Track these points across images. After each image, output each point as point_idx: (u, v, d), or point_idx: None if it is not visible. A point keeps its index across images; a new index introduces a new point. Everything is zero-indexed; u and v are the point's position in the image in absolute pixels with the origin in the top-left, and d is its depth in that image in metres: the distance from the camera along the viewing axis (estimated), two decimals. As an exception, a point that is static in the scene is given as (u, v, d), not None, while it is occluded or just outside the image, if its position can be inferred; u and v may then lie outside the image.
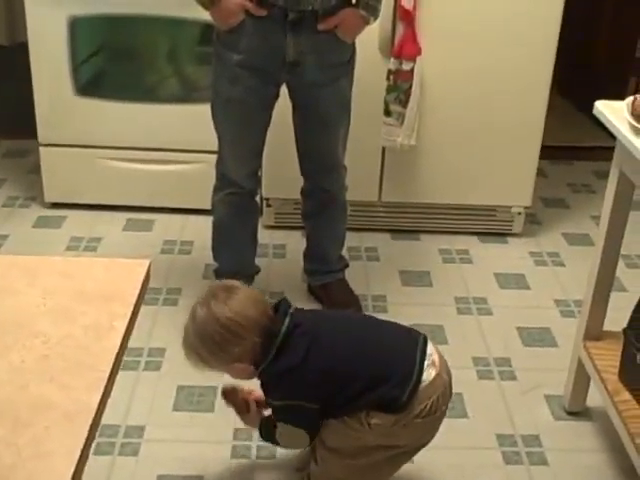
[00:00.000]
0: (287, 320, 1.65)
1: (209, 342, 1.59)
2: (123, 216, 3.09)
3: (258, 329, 1.61)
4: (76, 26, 2.90)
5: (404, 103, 2.78)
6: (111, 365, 0.82)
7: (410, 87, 2.76)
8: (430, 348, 1.73)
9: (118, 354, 0.84)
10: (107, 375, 0.80)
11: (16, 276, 0.98)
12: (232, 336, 1.59)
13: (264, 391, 1.72)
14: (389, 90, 2.77)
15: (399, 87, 2.77)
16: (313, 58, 2.20)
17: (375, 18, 2.25)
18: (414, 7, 2.69)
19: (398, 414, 1.65)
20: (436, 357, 1.72)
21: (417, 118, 2.78)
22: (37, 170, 3.18)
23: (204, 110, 2.96)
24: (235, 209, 2.49)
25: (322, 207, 2.52)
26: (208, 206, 3.14)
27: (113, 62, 3.14)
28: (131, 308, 0.91)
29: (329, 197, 2.50)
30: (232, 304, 1.61)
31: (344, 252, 2.66)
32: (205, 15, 2.32)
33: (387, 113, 2.79)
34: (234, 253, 2.57)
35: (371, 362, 1.68)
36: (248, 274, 2.60)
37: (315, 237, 2.61)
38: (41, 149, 3.07)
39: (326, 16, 2.16)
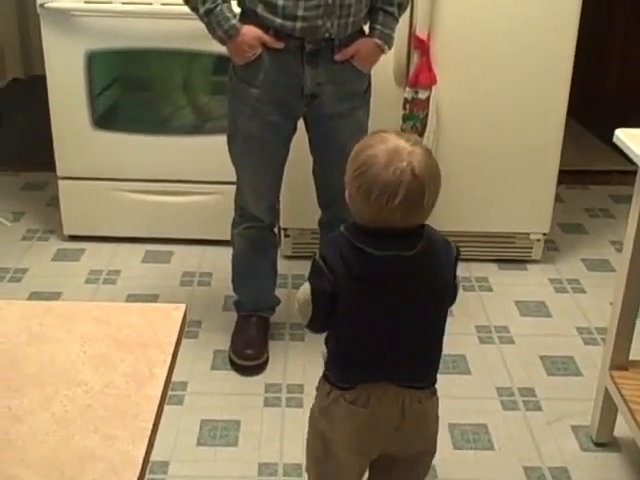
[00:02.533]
0: None
1: None
2: (142, 248, 3.09)
3: None
4: (93, 60, 2.92)
5: (420, 132, 2.78)
6: (154, 415, 0.82)
7: (426, 116, 2.77)
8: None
9: (160, 403, 0.84)
10: (151, 425, 0.80)
11: (53, 323, 0.97)
12: None
13: None
14: (405, 119, 2.78)
15: (415, 116, 2.78)
16: (331, 89, 2.20)
17: (390, 46, 2.26)
18: (429, 36, 2.71)
19: (336, 387, 1.55)
20: None
21: (434, 146, 2.78)
22: (55, 203, 3.19)
23: (219, 141, 2.97)
24: (254, 243, 2.50)
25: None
26: (226, 237, 3.14)
27: (129, 95, 3.16)
28: (170, 355, 0.91)
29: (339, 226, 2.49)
30: None
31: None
32: (218, 47, 2.31)
33: (404, 142, 2.79)
34: (254, 286, 2.57)
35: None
36: (268, 306, 2.61)
37: None
38: (59, 182, 3.08)
39: (342, 47, 2.16)
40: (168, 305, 0.99)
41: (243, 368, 2.45)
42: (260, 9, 2.10)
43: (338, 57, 2.16)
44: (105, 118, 3.06)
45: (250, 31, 2.12)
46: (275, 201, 2.49)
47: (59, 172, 3.06)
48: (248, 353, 2.47)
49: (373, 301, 1.49)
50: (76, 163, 3.05)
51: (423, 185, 1.39)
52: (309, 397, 2.27)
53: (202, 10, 2.13)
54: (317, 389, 1.63)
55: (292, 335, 2.63)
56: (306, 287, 1.52)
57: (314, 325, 1.57)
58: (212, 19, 2.13)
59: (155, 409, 0.83)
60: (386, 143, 1.42)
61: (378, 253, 1.44)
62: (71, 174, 3.07)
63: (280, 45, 2.12)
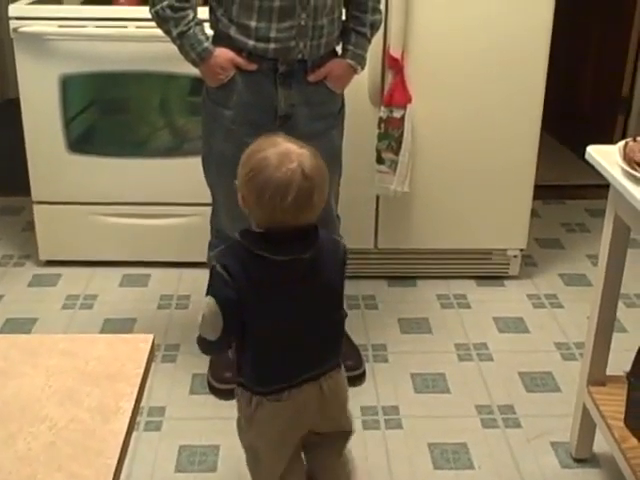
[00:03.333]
0: None
1: None
2: (119, 271, 3.08)
3: None
4: (67, 84, 2.91)
5: (396, 150, 2.79)
6: (119, 450, 0.81)
7: (401, 134, 2.77)
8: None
9: (126, 437, 0.83)
10: (115, 462, 0.79)
11: (17, 357, 0.96)
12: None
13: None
14: (380, 138, 2.79)
15: (390, 135, 2.78)
16: (304, 110, 2.21)
17: (362, 67, 2.28)
18: (402, 55, 2.72)
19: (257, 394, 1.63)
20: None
21: (410, 165, 2.79)
22: (31, 227, 3.17)
23: (196, 162, 2.95)
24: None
25: None
26: (203, 259, 3.14)
27: (104, 118, 3.15)
28: (137, 387, 0.90)
29: None
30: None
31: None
32: (193, 69, 2.30)
33: (379, 161, 2.80)
34: None
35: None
36: None
37: None
38: (35, 206, 3.06)
39: (315, 68, 2.17)
40: (136, 336, 0.98)
41: (221, 392, 2.43)
42: (233, 31, 2.11)
43: (311, 78, 2.17)
44: (80, 142, 3.05)
45: (223, 53, 2.12)
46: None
47: (34, 196, 3.05)
48: (227, 376, 2.45)
49: (276, 305, 1.57)
50: (51, 187, 3.04)
51: (313, 184, 1.50)
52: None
53: (175, 33, 2.14)
54: (237, 401, 1.68)
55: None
56: (210, 302, 1.55)
57: (222, 340, 1.59)
58: (185, 42, 2.13)
59: (120, 444, 0.82)
60: (276, 146, 1.53)
61: (278, 258, 1.52)
62: (46, 198, 3.05)
63: (253, 67, 2.13)
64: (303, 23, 2.07)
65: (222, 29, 2.14)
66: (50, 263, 3.12)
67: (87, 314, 2.83)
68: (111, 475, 0.77)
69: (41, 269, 3.10)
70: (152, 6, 2.13)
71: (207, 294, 1.58)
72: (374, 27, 2.24)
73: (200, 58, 2.14)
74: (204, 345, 1.62)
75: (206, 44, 2.13)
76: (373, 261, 3.03)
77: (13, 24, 2.81)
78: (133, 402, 0.88)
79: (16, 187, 3.35)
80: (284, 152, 1.51)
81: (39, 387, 0.91)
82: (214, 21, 2.17)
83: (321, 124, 2.24)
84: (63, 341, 1.00)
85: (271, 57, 2.11)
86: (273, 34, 2.07)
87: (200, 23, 2.15)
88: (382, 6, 2.32)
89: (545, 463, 2.17)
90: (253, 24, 2.06)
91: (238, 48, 2.12)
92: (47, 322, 2.76)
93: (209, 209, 3.05)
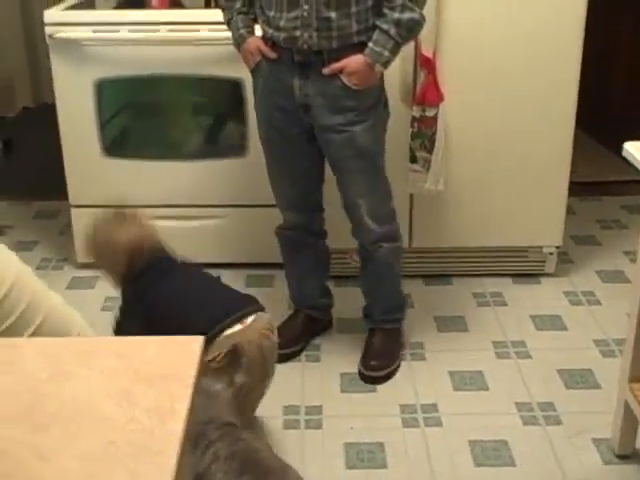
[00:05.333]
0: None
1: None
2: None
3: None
4: (102, 88, 2.94)
5: (429, 149, 2.79)
6: (177, 450, 0.82)
7: (434, 133, 2.77)
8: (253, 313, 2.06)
9: (183, 438, 0.84)
10: (175, 461, 0.80)
11: (72, 360, 0.98)
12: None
13: None
14: (414, 137, 2.78)
15: (423, 134, 2.78)
16: (320, 101, 2.26)
17: (383, 65, 2.23)
18: (434, 54, 2.71)
19: None
20: (250, 319, 2.04)
21: (443, 163, 2.78)
22: (68, 231, 3.20)
23: (229, 164, 3.01)
24: (284, 243, 2.64)
25: (364, 262, 2.55)
26: (240, 259, 3.17)
27: (138, 121, 3.18)
28: (190, 388, 0.91)
29: (364, 253, 2.52)
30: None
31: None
32: (223, 71, 2.58)
33: (413, 160, 2.80)
34: (294, 284, 2.71)
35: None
36: (309, 305, 2.70)
37: (362, 287, 2.64)
38: (72, 210, 3.10)
39: (332, 61, 2.21)
40: (186, 337, 1.00)
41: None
42: (261, 21, 2.29)
43: (325, 71, 2.23)
44: (115, 145, 3.08)
45: (252, 41, 2.30)
46: (303, 206, 2.54)
47: (71, 200, 3.08)
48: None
49: None
50: (88, 191, 3.07)
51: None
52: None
53: (225, 20, 2.38)
54: None
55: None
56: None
57: None
58: (230, 28, 2.37)
59: (178, 444, 0.83)
60: None
61: None
62: (83, 202, 3.08)
63: (273, 55, 2.26)
64: (306, 14, 2.15)
65: (258, 19, 2.32)
66: (88, 266, 3.14)
67: (125, 316, 2.85)
68: (171, 474, 0.78)
69: (79, 272, 3.14)
70: None
71: None
72: (401, 25, 2.17)
73: (237, 43, 2.36)
74: None
75: (242, 31, 2.32)
76: (408, 260, 3.02)
77: (48, 30, 2.84)
78: (188, 403, 0.89)
79: (52, 191, 3.39)
80: None
81: (95, 388, 0.92)
82: (257, 13, 2.33)
83: (339, 118, 2.27)
84: (116, 343, 1.01)
85: (283, 46, 2.22)
86: (282, 23, 2.19)
87: (244, 12, 2.33)
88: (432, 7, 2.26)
89: (587, 460, 2.16)
90: (271, 14, 2.21)
91: (265, 37, 2.28)
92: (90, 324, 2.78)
93: (244, 210, 3.08)
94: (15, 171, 3.95)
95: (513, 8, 2.70)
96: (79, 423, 0.86)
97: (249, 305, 2.10)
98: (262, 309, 2.11)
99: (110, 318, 2.79)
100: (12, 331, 1.35)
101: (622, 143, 1.93)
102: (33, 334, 1.38)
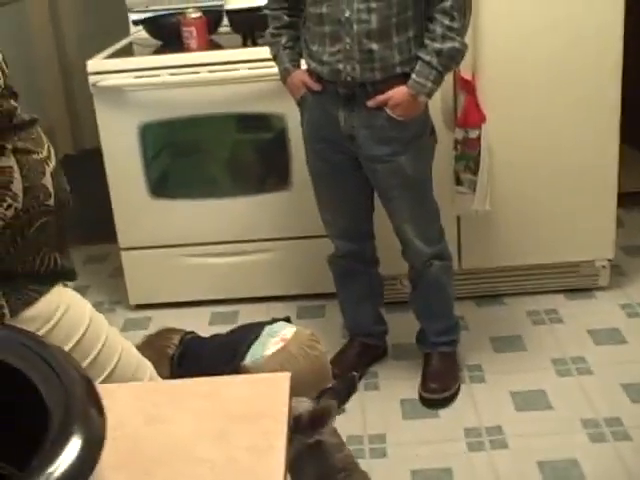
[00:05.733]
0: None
1: None
2: (207, 310, 3.13)
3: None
4: (146, 131, 2.99)
5: (474, 170, 2.79)
6: (281, 486, 0.83)
7: (478, 154, 2.78)
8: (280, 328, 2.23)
9: (284, 474, 0.85)
10: (280, 498, 0.81)
11: (162, 402, 0.99)
12: None
13: None
14: (457, 159, 2.79)
15: (467, 155, 2.79)
16: (365, 133, 2.28)
17: (426, 95, 2.24)
18: (473, 76, 2.73)
19: None
20: (289, 333, 2.18)
21: (489, 183, 2.78)
22: (117, 273, 3.24)
23: (272, 198, 3.04)
24: (336, 271, 2.67)
25: (415, 282, 2.56)
26: (289, 291, 3.18)
27: (182, 161, 3.22)
28: (285, 425, 0.92)
29: (415, 273, 2.52)
30: None
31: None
32: (262, 108, 2.66)
33: (458, 182, 2.81)
34: (349, 312, 2.73)
35: None
36: (365, 332, 2.71)
37: (414, 310, 2.65)
38: (122, 253, 3.14)
39: (377, 92, 2.23)
40: (274, 375, 1.01)
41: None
42: (305, 55, 2.34)
43: (369, 103, 2.25)
44: (161, 186, 3.12)
45: (298, 74, 2.35)
46: (351, 234, 2.56)
47: (121, 243, 3.13)
48: (333, 371, 2.51)
49: None
50: (136, 233, 3.12)
51: None
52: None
53: (272, 54, 2.44)
54: None
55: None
56: None
57: None
58: (276, 62, 2.43)
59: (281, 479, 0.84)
60: None
61: None
62: (132, 244, 3.13)
63: (317, 87, 2.31)
64: (348, 47, 2.18)
65: (303, 54, 2.36)
66: (140, 307, 3.19)
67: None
68: (279, 511, 0.79)
69: (132, 313, 3.17)
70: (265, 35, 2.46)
71: None
72: (442, 55, 2.18)
73: (282, 76, 2.41)
74: None
75: (287, 65, 2.37)
76: (458, 281, 3.01)
77: (92, 79, 2.90)
78: (284, 439, 0.90)
79: (100, 236, 3.44)
80: None
81: (190, 429, 0.94)
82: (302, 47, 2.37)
83: (385, 149, 2.30)
84: (204, 384, 1.03)
85: (327, 79, 2.26)
86: (326, 57, 2.22)
87: (290, 47, 2.38)
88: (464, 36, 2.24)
89: (661, 475, 2.13)
90: (314, 48, 2.25)
91: (309, 71, 2.32)
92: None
93: (290, 242, 3.10)
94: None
95: (549, 23, 2.71)
96: (179, 465, 0.87)
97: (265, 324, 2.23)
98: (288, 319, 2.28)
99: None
100: (91, 369, 1.37)
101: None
102: (110, 374, 1.40)
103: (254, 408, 0.96)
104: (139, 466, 0.88)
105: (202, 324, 3.06)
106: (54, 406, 0.62)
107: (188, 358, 2.23)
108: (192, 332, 2.36)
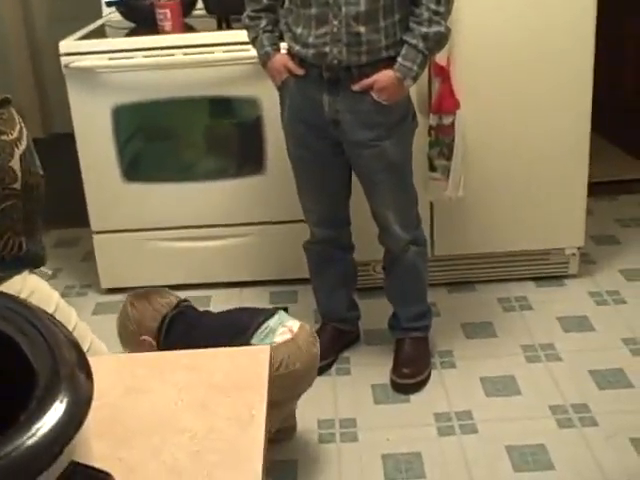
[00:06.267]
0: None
1: None
2: (179, 295, 3.10)
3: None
4: (119, 114, 2.97)
5: (448, 156, 2.81)
6: (262, 456, 0.83)
7: (452, 140, 2.79)
8: (285, 318, 2.16)
9: (265, 444, 0.85)
10: (261, 467, 0.81)
11: (145, 374, 0.99)
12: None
13: None
14: (432, 145, 2.81)
15: (441, 141, 2.80)
16: (350, 117, 2.27)
17: (412, 79, 2.26)
18: (448, 62, 2.74)
19: None
20: (295, 326, 2.13)
21: (462, 170, 2.80)
22: (89, 257, 3.22)
23: (246, 183, 3.03)
24: (311, 257, 2.66)
25: (390, 267, 2.56)
26: (262, 276, 3.18)
27: (155, 145, 3.21)
28: (265, 395, 0.92)
29: (392, 257, 2.54)
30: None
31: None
32: (237, 91, 2.63)
33: (432, 168, 2.82)
34: (323, 297, 2.72)
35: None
36: (338, 318, 2.71)
37: (387, 295, 2.65)
38: (94, 236, 3.11)
39: (362, 76, 2.22)
40: (254, 348, 1.01)
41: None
42: (287, 38, 2.29)
43: (355, 87, 2.24)
44: (134, 170, 3.10)
45: (279, 58, 2.32)
46: (329, 220, 2.56)
47: (93, 226, 3.10)
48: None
49: None
50: (109, 216, 3.09)
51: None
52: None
53: (250, 38, 2.39)
54: None
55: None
56: None
57: None
58: (255, 46, 2.39)
59: (262, 450, 0.84)
60: None
61: None
62: (104, 228, 3.10)
63: (301, 72, 2.28)
64: (336, 30, 2.16)
65: (285, 37, 2.32)
66: (111, 291, 3.16)
67: (153, 338, 2.86)
68: (259, 480, 0.80)
69: (103, 297, 3.15)
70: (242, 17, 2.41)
71: None
72: (428, 39, 2.19)
73: (262, 60, 2.37)
74: None
75: (267, 49, 2.34)
76: (431, 269, 3.03)
77: (64, 60, 2.86)
78: (264, 410, 0.90)
79: (70, 219, 3.41)
80: None
81: (172, 400, 0.94)
82: (283, 30, 2.34)
83: (369, 133, 2.29)
84: (185, 357, 1.03)
85: (311, 62, 2.23)
86: (311, 40, 2.19)
87: (270, 30, 2.34)
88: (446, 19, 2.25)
89: (627, 460, 2.16)
90: (299, 30, 2.22)
91: (292, 54, 2.28)
92: (116, 349, 2.79)
93: (263, 227, 3.10)
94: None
95: (524, 12, 2.73)
96: (161, 435, 0.87)
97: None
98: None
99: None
100: None
101: (633, 142, 1.94)
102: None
103: (235, 380, 0.96)
104: (119, 436, 0.88)
105: (174, 308, 3.04)
106: (41, 368, 0.62)
107: (179, 323, 2.21)
108: (188, 300, 2.35)
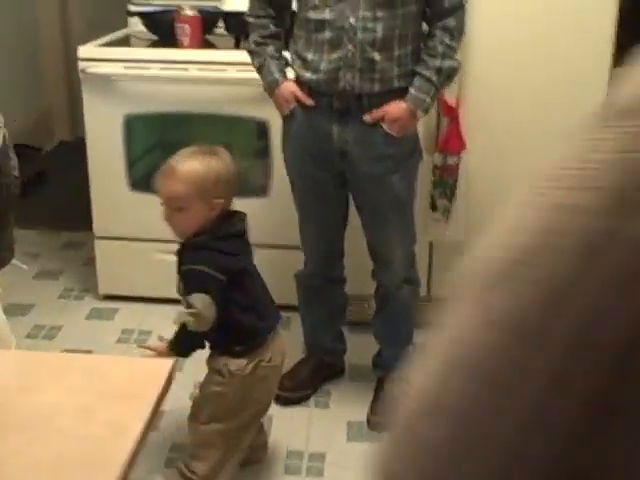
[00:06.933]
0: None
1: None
2: (174, 309, 3.10)
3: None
4: (131, 124, 3.00)
5: (449, 197, 2.78)
6: (125, 464, 0.82)
7: (456, 181, 2.77)
8: None
9: (132, 455, 0.84)
10: (119, 474, 0.80)
11: (43, 375, 0.99)
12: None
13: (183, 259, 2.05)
14: (435, 185, 2.78)
15: (445, 182, 2.78)
16: (360, 149, 2.24)
17: (424, 111, 2.25)
18: (457, 102, 2.72)
19: (249, 356, 2.04)
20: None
21: (464, 213, 2.77)
22: (92, 262, 3.25)
23: (255, 203, 3.03)
24: (304, 288, 2.62)
25: (382, 304, 2.54)
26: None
27: (164, 157, 3.20)
28: (150, 407, 0.91)
29: (386, 294, 2.51)
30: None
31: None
32: (252, 112, 2.57)
33: (433, 208, 2.80)
34: (309, 328, 2.69)
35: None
36: (324, 351, 2.67)
37: (375, 332, 2.61)
38: (96, 242, 3.14)
39: (373, 107, 2.20)
40: (157, 360, 1.01)
41: (277, 397, 2.47)
42: (297, 65, 2.26)
43: (367, 118, 2.20)
44: (142, 180, 3.12)
45: (287, 86, 2.26)
46: (322, 254, 2.53)
47: (96, 232, 3.13)
48: (285, 384, 2.50)
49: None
50: (113, 223, 3.12)
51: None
52: None
53: (256, 65, 2.34)
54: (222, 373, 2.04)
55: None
56: (202, 298, 1.93)
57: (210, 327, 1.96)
58: (261, 73, 2.33)
59: (127, 459, 0.83)
60: None
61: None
62: (107, 234, 3.13)
63: (310, 102, 2.23)
64: (350, 55, 2.13)
65: (293, 65, 2.28)
66: (108, 298, 3.18)
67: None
68: (114, 488, 0.79)
69: (100, 303, 3.17)
70: (245, 42, 2.40)
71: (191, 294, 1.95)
72: (442, 73, 2.19)
73: (270, 88, 2.30)
74: (192, 341, 2.00)
75: (276, 76, 2.28)
76: (426, 308, 3.00)
77: (81, 65, 2.91)
78: (144, 422, 0.89)
79: (81, 223, 3.44)
80: None
81: (59, 403, 0.93)
82: (292, 58, 2.31)
83: (379, 167, 2.26)
84: (87, 360, 1.03)
85: (322, 90, 2.19)
86: (323, 65, 2.16)
87: (277, 57, 2.30)
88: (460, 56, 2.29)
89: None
90: (310, 56, 2.17)
91: (301, 83, 2.24)
92: (101, 354, 2.81)
93: (262, 251, 3.07)
94: (47, 202, 4.02)
95: (537, 55, 2.70)
96: (34, 434, 0.87)
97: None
98: None
99: (122, 351, 2.82)
100: None
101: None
102: None
103: (126, 389, 0.95)
104: (-4, 430, 0.88)
105: (167, 322, 3.03)
106: None
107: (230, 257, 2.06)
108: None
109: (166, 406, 2.23)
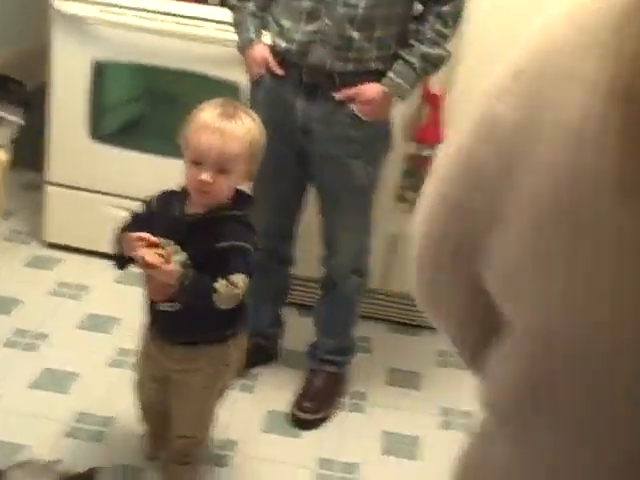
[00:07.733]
0: None
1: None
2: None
3: None
4: (101, 71, 2.86)
5: (419, 190, 2.61)
6: None
7: (426, 174, 2.60)
8: None
9: None
10: None
11: None
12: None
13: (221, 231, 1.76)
14: (405, 175, 2.63)
15: (416, 173, 2.62)
16: (323, 127, 2.11)
17: (401, 97, 2.12)
18: (443, 92, 2.55)
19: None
20: None
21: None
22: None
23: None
24: None
25: (326, 291, 2.40)
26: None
27: (131, 110, 3.08)
28: None
29: (330, 282, 2.37)
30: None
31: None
32: (220, 73, 2.55)
33: (401, 199, 2.65)
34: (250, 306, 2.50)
35: None
36: (258, 333, 2.47)
37: (314, 319, 2.49)
38: (47, 187, 3.01)
39: (345, 85, 2.06)
40: None
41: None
42: (273, 31, 2.12)
43: (337, 95, 2.07)
44: (103, 130, 2.98)
45: (260, 49, 2.13)
46: (275, 229, 2.37)
47: (48, 177, 3.00)
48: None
49: None
50: (67, 171, 2.99)
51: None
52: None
53: (233, 19, 2.21)
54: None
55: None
56: (245, 280, 1.72)
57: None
58: (237, 29, 2.19)
59: None
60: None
61: None
62: (60, 180, 2.99)
63: (280, 72, 2.10)
64: (327, 29, 1.99)
65: (269, 30, 2.14)
66: (53, 246, 3.05)
67: (73, 305, 2.75)
68: None
69: (43, 250, 3.04)
70: None
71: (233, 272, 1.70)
72: (427, 60, 2.07)
73: (242, 45, 2.18)
74: (200, 301, 1.75)
75: (251, 34, 2.15)
76: (378, 301, 2.85)
77: (55, 4, 2.75)
78: None
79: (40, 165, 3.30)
80: None
81: None
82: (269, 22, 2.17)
83: (340, 148, 2.13)
84: None
85: (294, 60, 2.06)
86: (298, 36, 2.03)
87: (256, 16, 2.16)
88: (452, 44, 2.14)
89: None
90: (287, 24, 2.04)
91: (275, 51, 2.10)
92: (31, 306, 2.70)
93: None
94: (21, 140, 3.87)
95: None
96: None
97: None
98: None
99: (55, 305, 2.69)
100: None
101: None
102: None
103: None
104: None
105: (108, 279, 2.91)
106: None
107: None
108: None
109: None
